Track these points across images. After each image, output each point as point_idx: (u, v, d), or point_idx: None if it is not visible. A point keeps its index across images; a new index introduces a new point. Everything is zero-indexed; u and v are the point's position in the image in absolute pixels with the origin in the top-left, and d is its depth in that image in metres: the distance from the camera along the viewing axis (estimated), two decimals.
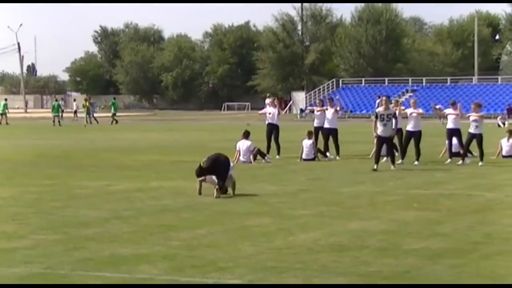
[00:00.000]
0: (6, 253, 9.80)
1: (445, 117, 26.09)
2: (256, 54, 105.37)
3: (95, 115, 64.74)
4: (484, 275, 8.56)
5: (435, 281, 8.26)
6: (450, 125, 24.73)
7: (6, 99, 67.84)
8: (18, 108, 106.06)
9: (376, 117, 22.78)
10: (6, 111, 63.70)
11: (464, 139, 24.43)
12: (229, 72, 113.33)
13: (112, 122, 60.47)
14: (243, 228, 11.86)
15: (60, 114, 62.58)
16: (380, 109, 22.65)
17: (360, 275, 8.57)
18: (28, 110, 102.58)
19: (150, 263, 9.19)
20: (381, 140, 22.42)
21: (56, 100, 66.83)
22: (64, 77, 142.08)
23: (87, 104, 64.61)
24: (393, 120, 22.46)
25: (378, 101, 28.34)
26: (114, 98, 70.08)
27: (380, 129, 22.41)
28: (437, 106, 30.61)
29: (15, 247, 10.21)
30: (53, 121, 59.34)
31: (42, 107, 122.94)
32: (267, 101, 28.41)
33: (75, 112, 68.81)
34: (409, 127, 24.38)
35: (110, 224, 12.16)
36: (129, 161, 24.86)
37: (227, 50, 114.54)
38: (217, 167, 16.10)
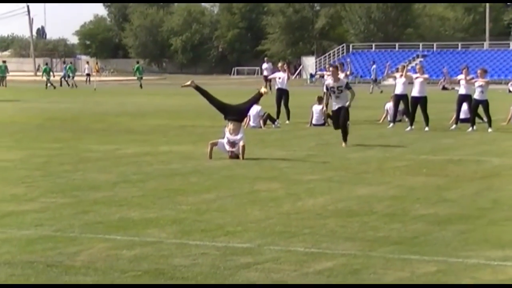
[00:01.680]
0: (17, 215, 9.87)
1: (457, 82, 25.98)
2: (265, 18, 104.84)
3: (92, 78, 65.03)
4: (491, 241, 8.59)
5: (443, 247, 8.29)
6: (462, 90, 24.63)
7: (4, 61, 67.74)
8: (26, 71, 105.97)
9: (327, 89, 20.87)
10: (6, 73, 63.64)
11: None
12: (239, 37, 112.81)
13: (140, 85, 60.60)
14: (252, 192, 11.90)
15: (71, 76, 62.85)
16: (330, 82, 19.60)
17: (368, 240, 8.60)
18: (38, 73, 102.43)
19: (158, 226, 9.25)
20: (336, 115, 19.58)
21: (46, 64, 67.06)
22: (74, 40, 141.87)
23: (97, 67, 64.52)
24: (347, 92, 19.37)
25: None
26: (138, 62, 69.73)
27: (333, 103, 19.63)
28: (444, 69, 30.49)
29: (25, 210, 10.27)
30: (46, 84, 59.45)
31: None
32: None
33: (88, 75, 68.60)
34: (414, 92, 24.25)
35: (119, 188, 12.21)
36: (138, 125, 24.89)
37: (237, 15, 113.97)
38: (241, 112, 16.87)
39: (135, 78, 63.74)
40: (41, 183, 12.67)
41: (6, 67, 64.37)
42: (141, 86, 60.55)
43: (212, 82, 73.96)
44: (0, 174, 13.66)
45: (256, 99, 17.92)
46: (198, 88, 16.79)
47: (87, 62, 74.51)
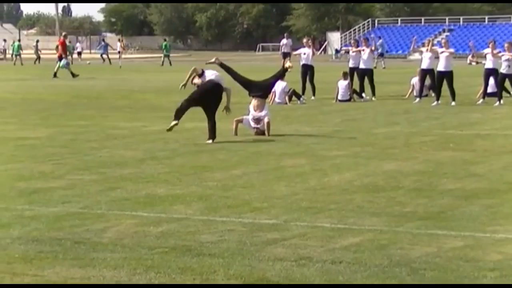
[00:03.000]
0: (44, 192, 9.93)
1: (483, 56, 25.76)
2: None
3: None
4: None
5: (470, 222, 8.25)
6: (488, 64, 24.42)
7: (19, 40, 68.07)
8: (51, 49, 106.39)
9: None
10: (20, 51, 63.94)
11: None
12: (264, 13, 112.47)
13: (170, 63, 60.62)
14: (278, 168, 11.90)
15: (107, 53, 63.25)
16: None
17: (394, 215, 8.58)
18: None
19: (185, 203, 9.27)
20: None
21: (19, 41, 67.48)
22: (99, 18, 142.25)
23: (122, 44, 64.62)
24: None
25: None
26: (165, 40, 69.66)
27: None
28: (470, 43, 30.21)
29: (53, 187, 10.33)
30: (14, 62, 59.97)
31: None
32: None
33: (119, 52, 68.66)
34: (440, 67, 24.06)
35: (146, 165, 12.25)
36: (163, 102, 24.91)
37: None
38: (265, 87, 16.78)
39: (162, 55, 63.75)
40: (68, 160, 12.74)
41: (19, 45, 64.74)
42: (170, 63, 60.57)
43: (237, 58, 73.76)
44: (27, 151, 13.74)
45: (280, 74, 17.83)
46: (222, 65, 16.77)
47: (119, 40, 74.26)
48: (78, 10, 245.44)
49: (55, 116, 20.66)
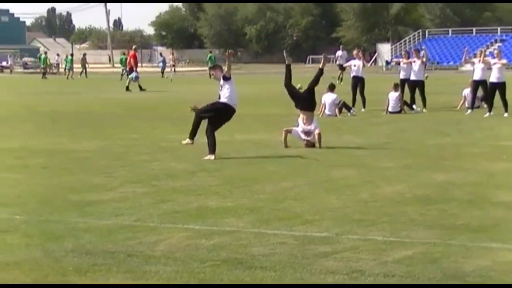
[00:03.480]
0: (97, 205, 10.01)
1: None
2: (339, 5, 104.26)
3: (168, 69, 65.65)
4: None
5: None
6: None
7: (72, 54, 68.93)
8: (103, 63, 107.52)
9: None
10: (72, 65, 64.74)
11: None
12: (313, 24, 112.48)
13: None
14: (328, 180, 11.86)
15: (165, 67, 63.38)
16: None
17: (447, 228, 8.48)
18: (115, 65, 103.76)
19: (236, 216, 9.28)
20: None
21: (45, 54, 68.07)
22: (150, 31, 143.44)
23: (173, 58, 65.00)
24: None
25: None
26: (211, 52, 70.11)
27: None
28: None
29: (105, 199, 10.42)
30: (67, 76, 60.60)
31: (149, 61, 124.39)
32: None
33: (173, 66, 69.03)
34: (493, 78, 23.79)
35: (197, 177, 12.30)
36: None
37: (311, 2, 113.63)
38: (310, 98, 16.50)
39: (207, 68, 64.11)
40: (120, 172, 12.84)
41: (71, 59, 65.64)
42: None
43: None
44: (80, 164, 13.87)
45: (318, 76, 17.36)
46: (288, 68, 16.81)
47: (172, 53, 74.76)
48: (129, 24, 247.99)
49: (107, 128, 20.85)
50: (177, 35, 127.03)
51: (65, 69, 68.10)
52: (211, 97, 31.94)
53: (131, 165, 13.73)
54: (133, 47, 45.30)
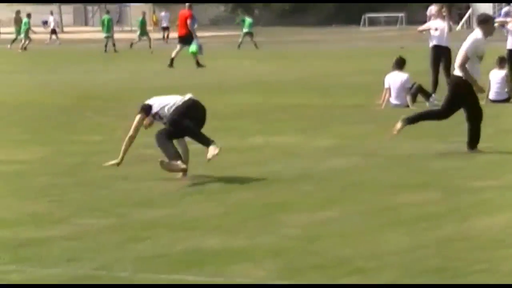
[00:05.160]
0: (40, 245, 10.06)
1: None
2: None
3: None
4: None
5: None
6: None
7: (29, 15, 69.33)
8: (47, 25, 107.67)
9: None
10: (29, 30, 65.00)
11: None
12: None
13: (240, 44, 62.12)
14: (391, 208, 11.89)
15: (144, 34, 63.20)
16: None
17: None
18: (64, 29, 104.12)
19: (252, 260, 9.32)
20: None
21: (107, 13, 67.46)
22: None
23: (154, 18, 65.04)
24: None
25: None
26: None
27: None
28: None
29: (51, 236, 10.47)
30: (105, 45, 60.02)
31: (86, 24, 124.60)
32: (432, 8, 28.07)
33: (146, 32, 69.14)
34: None
35: (187, 202, 12.35)
36: (218, 104, 24.97)
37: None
38: None
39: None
40: (73, 195, 12.90)
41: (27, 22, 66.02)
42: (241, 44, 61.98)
43: (330, 38, 73.75)
44: (11, 183, 13.94)
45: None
46: None
47: (153, 11, 75.25)
48: None
49: (53, 127, 20.90)
50: None
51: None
52: (215, 80, 31.82)
53: (90, 183, 13.80)
54: (187, 4, 44.86)
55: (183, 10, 43.45)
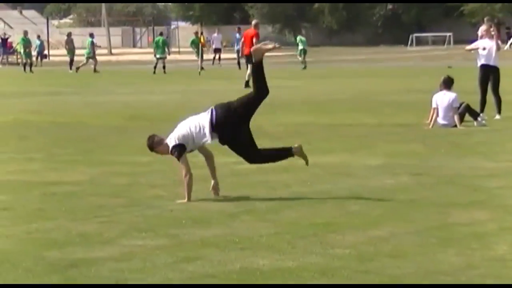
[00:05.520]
0: (88, 265, 10.06)
1: None
2: None
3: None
4: None
5: None
6: None
7: (69, 33, 69.69)
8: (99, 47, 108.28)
9: None
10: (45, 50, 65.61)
11: None
12: None
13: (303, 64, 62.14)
14: (443, 227, 11.82)
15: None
16: None
17: None
18: (113, 51, 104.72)
19: (301, 281, 9.30)
20: None
21: (161, 34, 67.48)
22: None
23: (202, 39, 65.12)
24: None
25: None
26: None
27: None
28: None
29: (100, 257, 10.47)
30: (155, 66, 60.22)
31: (134, 45, 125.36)
32: (482, 28, 28.03)
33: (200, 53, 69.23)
34: None
35: (239, 222, 12.33)
36: (265, 124, 24.99)
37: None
38: None
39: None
40: (122, 216, 12.91)
41: (42, 42, 66.41)
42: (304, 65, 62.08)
43: (377, 57, 73.64)
44: (61, 203, 13.96)
45: None
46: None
47: (200, 33, 74.80)
48: None
49: (102, 148, 20.98)
50: (208, 5, 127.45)
51: (37, 57, 69.02)
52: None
53: (139, 204, 13.81)
54: (253, 22, 45.13)
55: (249, 29, 43.61)
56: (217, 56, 72.89)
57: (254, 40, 41.92)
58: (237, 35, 68.96)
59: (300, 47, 66.12)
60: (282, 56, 76.38)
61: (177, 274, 9.69)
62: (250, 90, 15.20)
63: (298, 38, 69.90)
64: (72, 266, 10.07)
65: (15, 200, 14.37)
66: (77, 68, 62.42)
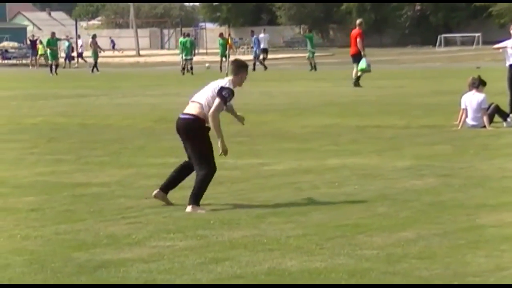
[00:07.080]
0: (116, 266, 10.08)
1: None
2: None
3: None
4: None
5: None
6: None
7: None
8: (124, 49, 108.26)
9: None
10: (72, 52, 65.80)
11: None
12: None
13: (312, 66, 61.39)
14: (472, 229, 11.79)
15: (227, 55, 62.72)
16: None
17: None
18: (141, 52, 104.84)
19: (330, 281, 9.29)
20: None
21: (188, 36, 67.20)
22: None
23: (229, 40, 64.95)
24: None
25: None
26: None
27: None
28: None
29: (128, 258, 10.50)
30: (183, 68, 60.26)
31: (162, 47, 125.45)
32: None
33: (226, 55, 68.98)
34: None
35: (267, 224, 12.32)
36: (293, 126, 25.03)
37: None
38: None
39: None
40: (150, 217, 12.93)
41: (70, 44, 66.71)
42: (312, 66, 61.06)
43: (405, 58, 73.46)
44: (90, 205, 13.99)
45: None
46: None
47: (228, 34, 74.51)
48: None
49: (130, 149, 20.99)
50: (235, 7, 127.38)
51: (65, 58, 69.24)
52: (289, 101, 31.87)
53: (167, 205, 13.82)
54: (358, 21, 45.09)
55: (355, 29, 43.52)
56: (261, 57, 70.38)
57: (358, 39, 41.96)
58: (253, 37, 68.40)
59: (310, 48, 63.73)
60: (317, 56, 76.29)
61: (205, 274, 9.71)
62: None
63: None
64: (100, 267, 10.10)
65: (44, 201, 14.41)
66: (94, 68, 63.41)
